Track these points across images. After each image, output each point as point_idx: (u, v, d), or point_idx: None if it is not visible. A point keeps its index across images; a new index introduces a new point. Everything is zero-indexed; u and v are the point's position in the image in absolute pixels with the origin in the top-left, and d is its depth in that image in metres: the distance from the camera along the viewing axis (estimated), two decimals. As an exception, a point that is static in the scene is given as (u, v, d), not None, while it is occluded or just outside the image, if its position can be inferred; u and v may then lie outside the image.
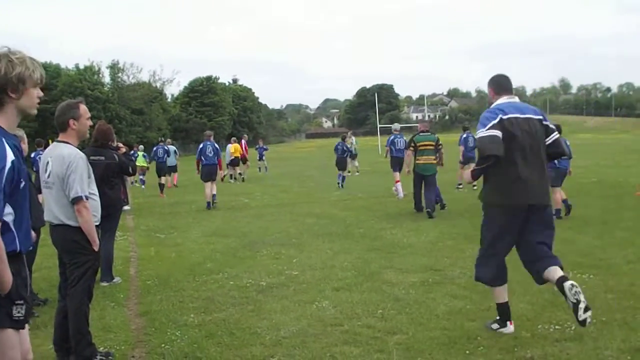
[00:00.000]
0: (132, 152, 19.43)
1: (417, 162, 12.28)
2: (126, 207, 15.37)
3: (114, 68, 67.37)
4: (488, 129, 4.62)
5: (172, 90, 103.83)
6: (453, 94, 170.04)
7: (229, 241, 9.66)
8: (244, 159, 24.64)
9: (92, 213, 4.44)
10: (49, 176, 4.41)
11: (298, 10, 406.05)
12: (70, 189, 4.31)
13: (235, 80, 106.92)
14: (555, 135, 4.92)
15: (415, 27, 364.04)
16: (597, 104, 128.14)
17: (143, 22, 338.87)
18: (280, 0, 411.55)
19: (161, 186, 19.76)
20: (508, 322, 4.84)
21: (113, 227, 7.34)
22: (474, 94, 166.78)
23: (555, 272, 4.56)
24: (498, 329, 4.84)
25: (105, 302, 6.16)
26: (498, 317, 4.91)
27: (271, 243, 9.34)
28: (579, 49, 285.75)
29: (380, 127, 54.65)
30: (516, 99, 4.97)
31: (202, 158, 15.13)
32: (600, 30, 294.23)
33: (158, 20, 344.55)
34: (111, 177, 6.97)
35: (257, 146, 30.87)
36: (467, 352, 4.42)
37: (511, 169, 4.62)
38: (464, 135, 17.65)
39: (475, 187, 15.38)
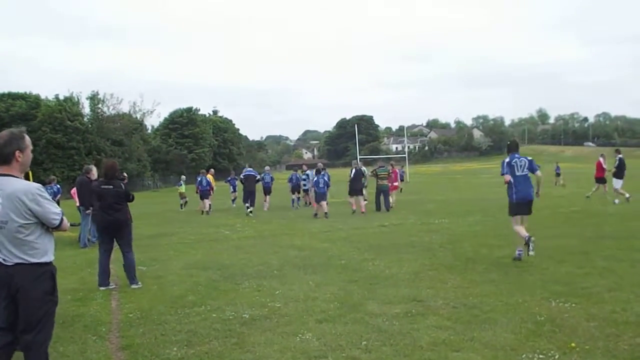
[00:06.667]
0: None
1: (378, 183, 20.92)
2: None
3: (94, 99, 66.98)
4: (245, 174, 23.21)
5: (153, 121, 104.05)
6: (432, 125, 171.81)
7: (211, 273, 9.59)
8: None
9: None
10: None
11: (280, 41, 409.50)
12: (49, 218, 4.05)
13: (215, 112, 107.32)
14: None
15: (395, 57, 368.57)
16: (574, 133, 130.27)
17: (124, 51, 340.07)
18: (261, 29, 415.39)
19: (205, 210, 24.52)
20: None
21: (128, 240, 9.12)
22: (453, 125, 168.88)
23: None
24: None
25: (86, 335, 6.07)
26: None
27: (253, 275, 9.29)
28: (555, 80, 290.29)
29: (360, 159, 54.91)
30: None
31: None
32: (576, 61, 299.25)
33: (139, 49, 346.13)
34: (118, 202, 8.97)
35: (228, 178, 30.71)
36: (452, 383, 4.43)
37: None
38: (312, 175, 24.78)
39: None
